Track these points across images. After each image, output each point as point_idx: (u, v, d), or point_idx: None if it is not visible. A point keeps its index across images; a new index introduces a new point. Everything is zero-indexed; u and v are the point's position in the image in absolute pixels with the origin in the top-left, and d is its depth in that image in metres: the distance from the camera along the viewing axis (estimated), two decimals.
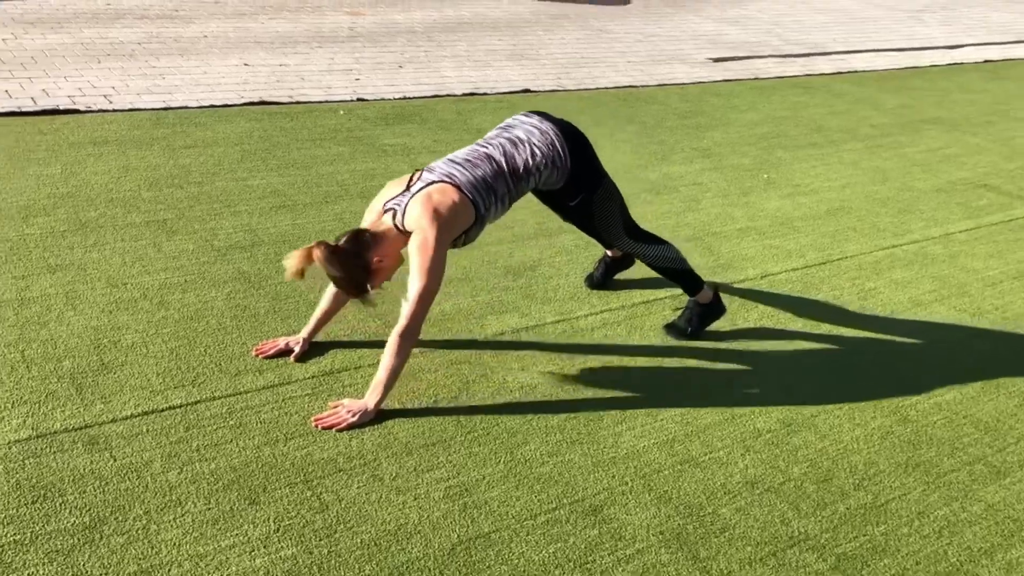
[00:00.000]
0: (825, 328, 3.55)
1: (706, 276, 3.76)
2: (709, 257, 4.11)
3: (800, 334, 3.49)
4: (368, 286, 2.69)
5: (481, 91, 6.69)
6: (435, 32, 8.59)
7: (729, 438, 2.80)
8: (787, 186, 5.20)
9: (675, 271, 3.28)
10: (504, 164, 2.85)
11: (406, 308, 2.67)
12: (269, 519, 2.28)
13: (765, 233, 4.46)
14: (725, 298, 3.53)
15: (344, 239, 2.66)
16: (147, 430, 2.56)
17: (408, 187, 2.77)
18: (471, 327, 3.30)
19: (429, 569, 2.18)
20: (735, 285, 3.86)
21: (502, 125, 3.02)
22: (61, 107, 5.29)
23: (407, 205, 2.72)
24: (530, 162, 2.87)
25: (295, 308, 3.28)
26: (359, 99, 6.18)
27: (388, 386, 2.71)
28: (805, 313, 3.65)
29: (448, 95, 6.51)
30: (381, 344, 2.77)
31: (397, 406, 2.78)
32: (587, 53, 8.37)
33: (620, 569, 2.24)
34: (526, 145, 2.89)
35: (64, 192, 4.10)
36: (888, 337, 3.53)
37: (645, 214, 4.45)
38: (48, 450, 2.44)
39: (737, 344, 3.37)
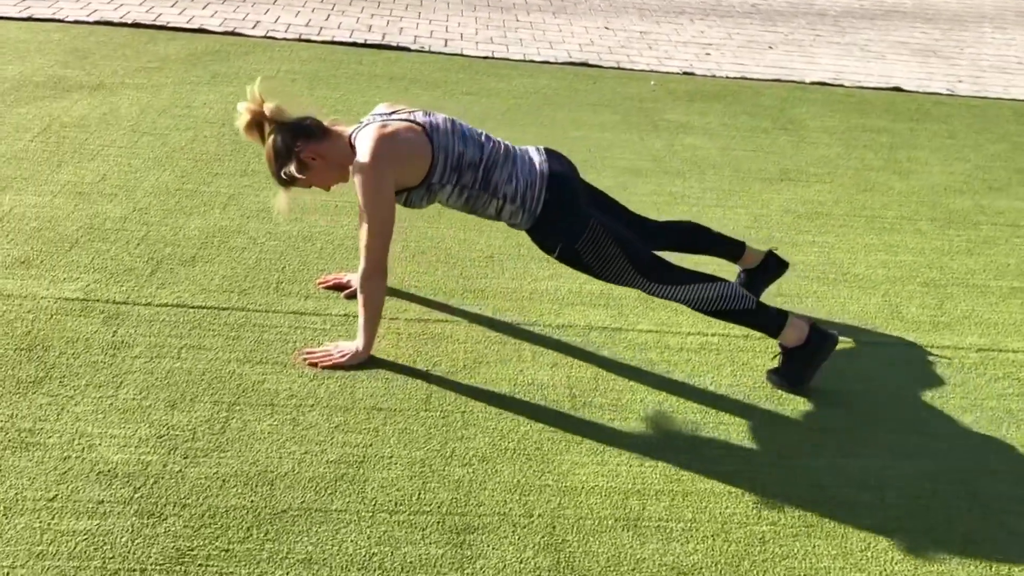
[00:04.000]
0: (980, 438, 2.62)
1: (891, 330, 3.00)
2: (922, 309, 3.23)
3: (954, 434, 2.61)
4: (288, 174, 2.50)
5: (837, 83, 5.91)
6: (848, 17, 7.75)
7: (709, 512, 2.22)
8: None
9: (734, 312, 2.62)
10: (485, 161, 2.55)
11: (362, 249, 2.52)
12: (165, 424, 2.34)
13: None
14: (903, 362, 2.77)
15: (295, 117, 2.53)
16: (167, 320, 2.76)
17: (392, 113, 2.57)
18: (551, 312, 3.00)
19: (239, 520, 2.07)
20: (928, 348, 3.00)
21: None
22: (394, 43, 5.77)
23: (371, 125, 2.52)
24: (503, 184, 2.55)
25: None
26: (685, 72, 5.83)
27: (367, 329, 2.62)
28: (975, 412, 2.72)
29: (792, 81, 5.85)
30: (442, 304, 2.92)
31: (400, 361, 2.66)
32: None
33: None
34: (511, 166, 2.57)
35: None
36: None
37: (897, 243, 3.65)
38: (77, 312, 2.75)
39: (849, 418, 2.63)
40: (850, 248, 3.65)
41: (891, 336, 3.06)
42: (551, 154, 2.68)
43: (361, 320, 2.61)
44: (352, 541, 2.05)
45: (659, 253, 2.70)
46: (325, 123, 2.60)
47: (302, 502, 2.14)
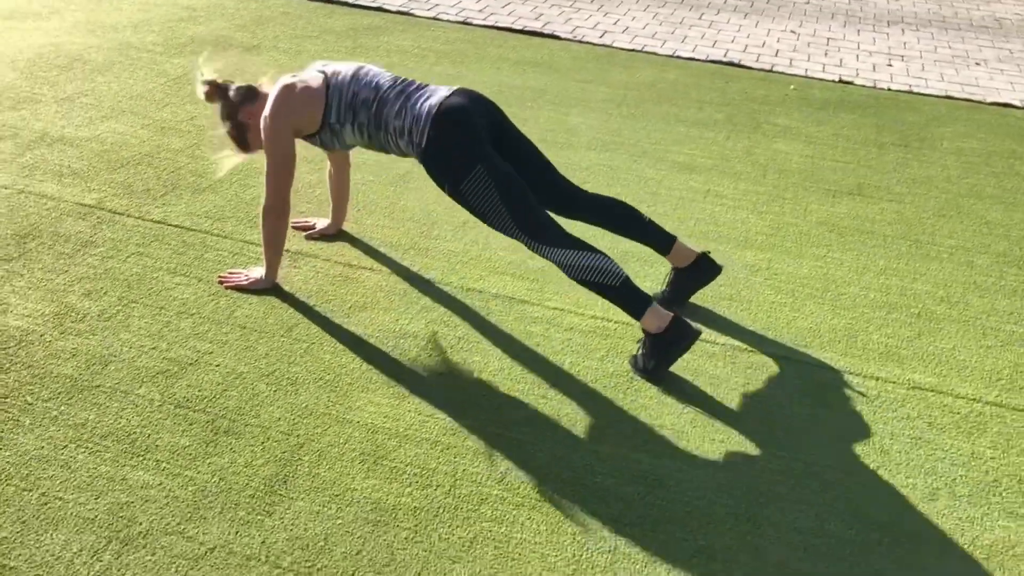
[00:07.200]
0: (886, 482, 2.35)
1: (825, 351, 2.79)
2: (887, 339, 2.91)
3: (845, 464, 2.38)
4: (234, 133, 2.87)
5: (1015, 103, 5.23)
6: None
7: (454, 466, 2.26)
8: None
9: (599, 286, 2.53)
10: (379, 100, 2.68)
11: (266, 184, 2.79)
12: (70, 307, 2.78)
13: None
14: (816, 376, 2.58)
15: (235, 84, 2.88)
16: (141, 231, 3.22)
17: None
18: (472, 276, 3.10)
19: (53, 384, 2.44)
20: (851, 375, 2.72)
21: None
22: (548, 32, 5.96)
23: (280, 79, 2.78)
24: (392, 119, 2.65)
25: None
26: (842, 80, 5.46)
27: (267, 258, 2.90)
28: (897, 451, 2.44)
29: (969, 100, 5.27)
30: (381, 255, 3.14)
31: (298, 295, 2.92)
32: None
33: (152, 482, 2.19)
34: (404, 102, 2.65)
35: None
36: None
37: (925, 272, 3.32)
38: (80, 215, 3.30)
39: (683, 419, 2.50)
40: (860, 269, 3.33)
41: (812, 357, 2.80)
42: (460, 94, 2.67)
43: (263, 251, 2.90)
44: (127, 419, 2.35)
45: (557, 217, 2.79)
46: (256, 84, 2.90)
47: (116, 383, 2.48)
